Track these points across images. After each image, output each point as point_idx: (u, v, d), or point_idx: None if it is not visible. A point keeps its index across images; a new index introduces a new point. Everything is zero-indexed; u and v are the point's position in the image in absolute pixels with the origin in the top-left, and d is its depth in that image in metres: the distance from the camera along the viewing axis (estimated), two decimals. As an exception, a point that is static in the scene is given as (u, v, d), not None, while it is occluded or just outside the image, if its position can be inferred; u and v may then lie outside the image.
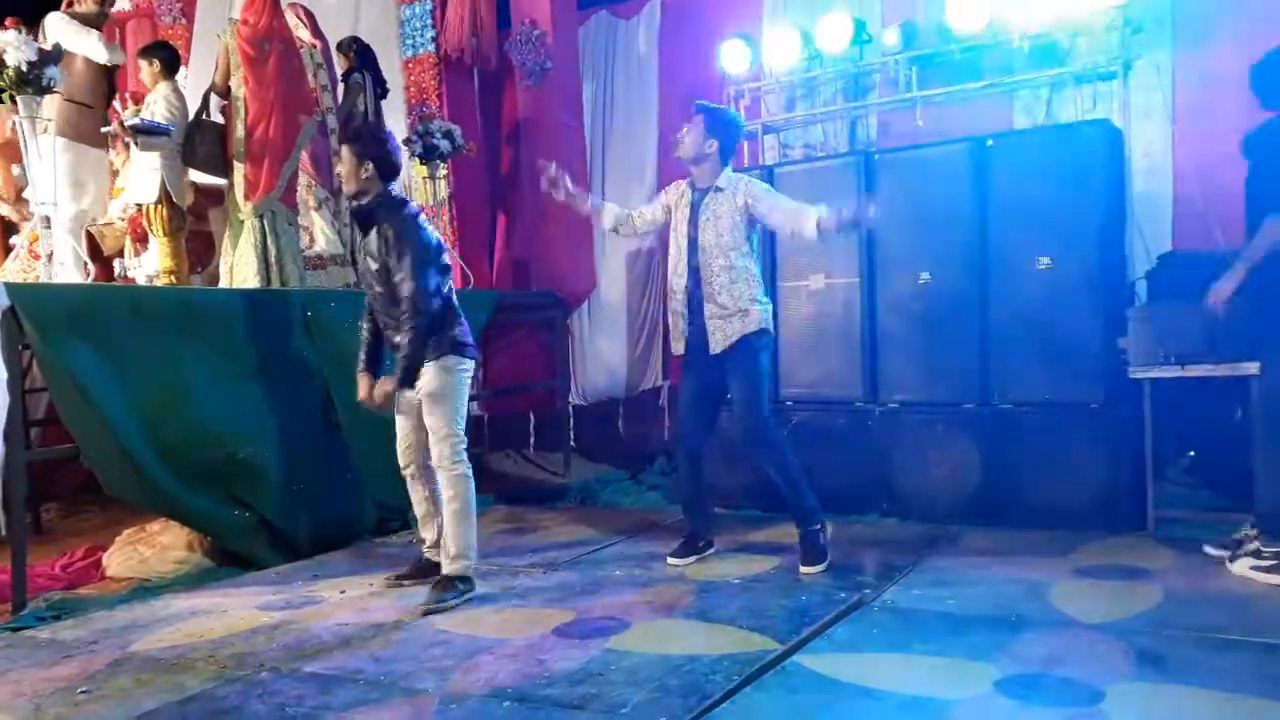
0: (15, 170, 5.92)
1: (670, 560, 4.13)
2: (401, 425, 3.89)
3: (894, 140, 5.75)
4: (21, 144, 4.93)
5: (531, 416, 7.36)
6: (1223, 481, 4.47)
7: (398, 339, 3.70)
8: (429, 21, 7.30)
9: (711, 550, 4.24)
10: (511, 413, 7.44)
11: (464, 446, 3.76)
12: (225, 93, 5.34)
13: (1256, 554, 3.59)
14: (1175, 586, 3.50)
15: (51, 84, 4.67)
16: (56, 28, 5.07)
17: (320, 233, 6.08)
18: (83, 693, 2.92)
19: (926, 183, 4.88)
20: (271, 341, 4.71)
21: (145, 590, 4.19)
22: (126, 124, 5.01)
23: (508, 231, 7.75)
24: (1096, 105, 5.15)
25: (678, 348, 4.15)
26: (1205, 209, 5.08)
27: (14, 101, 4.68)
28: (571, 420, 7.01)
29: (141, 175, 5.12)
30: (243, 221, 5.27)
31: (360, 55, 6.22)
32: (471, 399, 4.43)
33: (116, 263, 5.75)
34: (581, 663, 2.97)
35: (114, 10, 5.64)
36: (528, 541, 4.78)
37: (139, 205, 5.25)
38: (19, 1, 5.14)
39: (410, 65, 7.36)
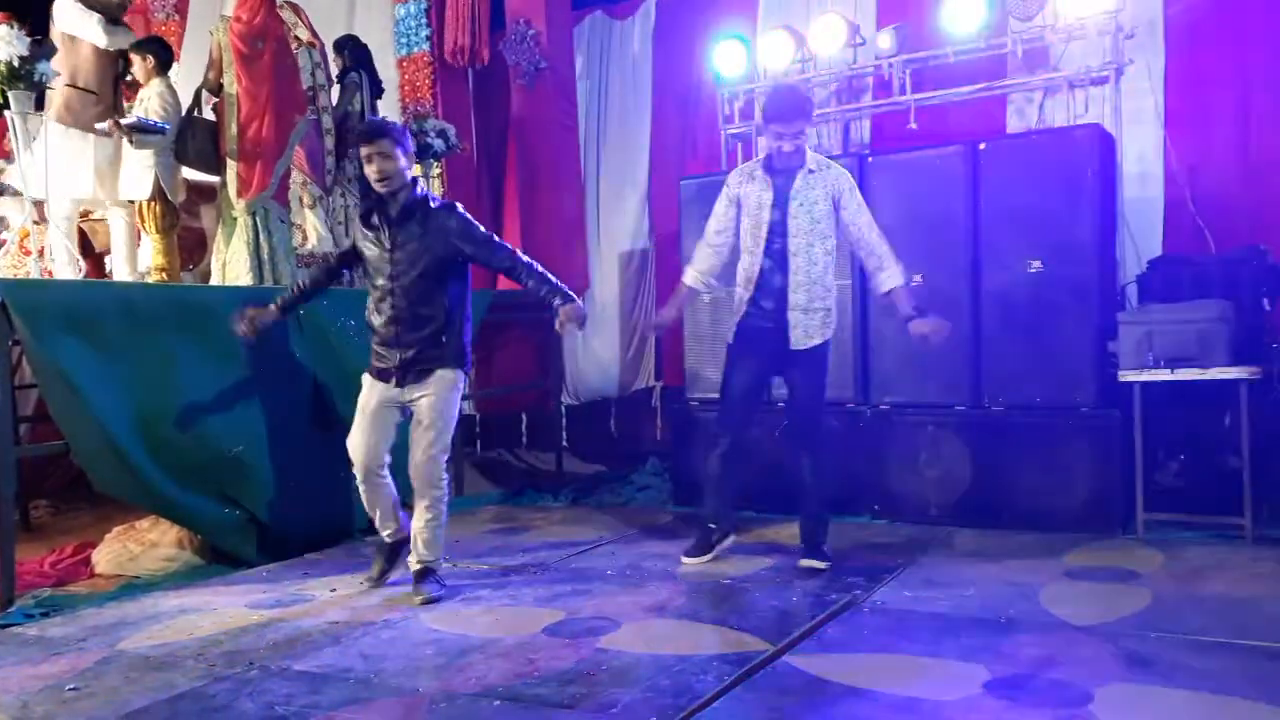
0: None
1: (685, 560, 4.01)
2: (376, 422, 3.75)
3: (887, 143, 5.77)
4: (13, 140, 4.90)
5: (524, 416, 7.36)
6: (1211, 485, 4.49)
7: (418, 341, 3.67)
8: (424, 21, 7.30)
9: (729, 541, 4.12)
10: (503, 412, 7.44)
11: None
12: (217, 90, 5.32)
13: None
14: (1164, 589, 3.52)
15: (44, 79, 4.65)
16: (63, 9, 5.07)
17: (313, 230, 6.06)
18: (71, 690, 2.91)
19: (919, 186, 4.89)
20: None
21: (134, 588, 4.17)
22: (121, 123, 4.98)
23: (501, 231, 7.75)
24: (1088, 110, 5.17)
25: (733, 340, 3.97)
26: (1196, 213, 5.12)
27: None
28: (564, 420, 7.01)
29: (134, 172, 5.10)
30: (235, 219, 5.25)
31: (355, 54, 6.20)
32: (465, 398, 4.42)
33: (107, 259, 5.72)
34: (572, 662, 2.97)
35: None
36: (519, 541, 4.78)
37: (131, 201, 5.23)
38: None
39: (404, 64, 7.36)
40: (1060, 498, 4.46)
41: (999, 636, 3.07)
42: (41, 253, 5.27)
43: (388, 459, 3.80)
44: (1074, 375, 4.54)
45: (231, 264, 5.26)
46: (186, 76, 6.12)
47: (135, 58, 5.13)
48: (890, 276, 3.86)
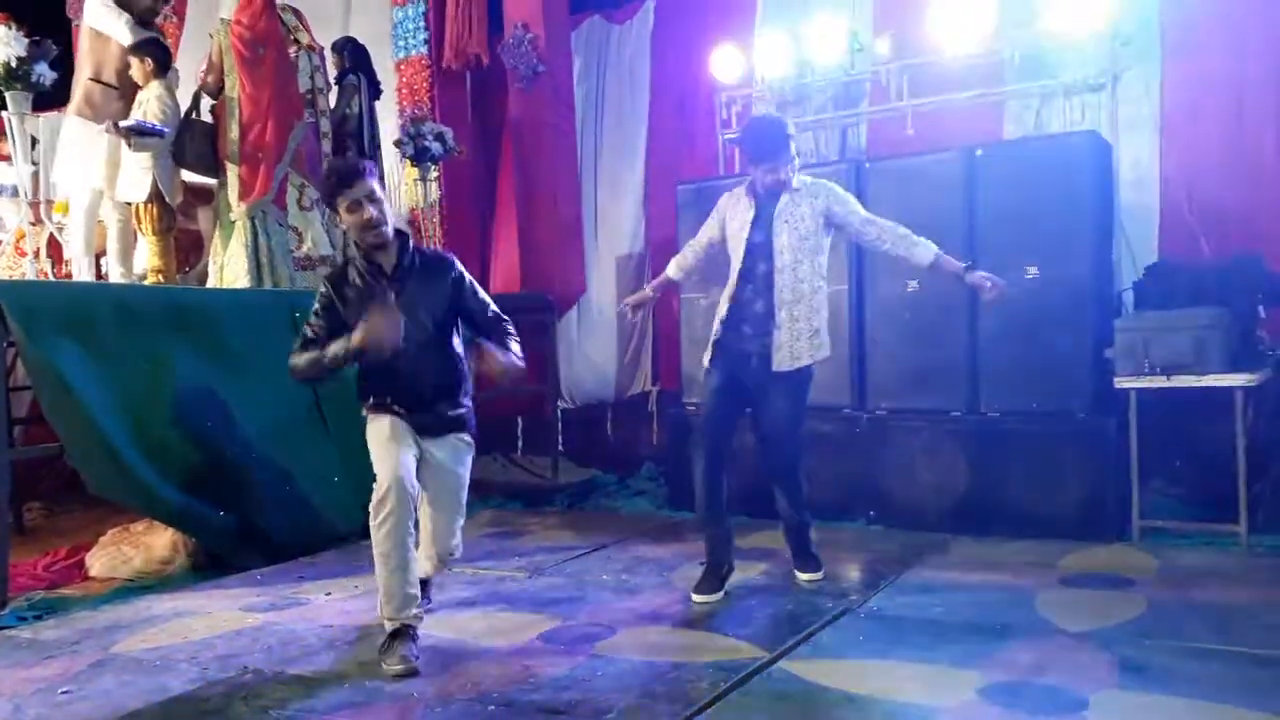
0: None
1: (695, 597, 3.69)
2: (405, 460, 3.14)
3: (884, 149, 5.77)
4: (9, 140, 4.91)
5: (519, 420, 7.35)
6: (1207, 492, 4.50)
7: (433, 402, 3.25)
8: (422, 24, 7.31)
9: (733, 573, 3.86)
10: (499, 416, 7.43)
11: None
12: (216, 93, 5.33)
13: None
14: (1159, 596, 3.52)
15: (42, 81, 4.65)
16: (94, 6, 5.10)
17: (309, 233, 6.07)
18: (64, 693, 2.90)
19: (916, 192, 4.89)
20: (259, 342, 4.69)
21: (128, 590, 4.16)
22: (121, 125, 4.97)
23: (498, 234, 7.75)
24: (1085, 117, 5.18)
25: (707, 361, 3.79)
26: (1192, 220, 5.12)
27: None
28: (560, 424, 7.00)
29: (132, 174, 5.09)
30: (234, 222, 5.26)
31: (354, 56, 6.21)
32: None
33: (103, 260, 5.72)
34: (567, 668, 2.97)
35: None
36: (514, 546, 4.77)
37: (128, 203, 5.22)
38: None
39: (402, 66, 7.36)
40: (1055, 504, 4.46)
41: (994, 643, 3.07)
42: (37, 254, 5.27)
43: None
44: (1070, 382, 4.54)
45: (229, 266, 5.26)
46: (183, 79, 6.12)
47: (134, 59, 5.14)
48: (923, 248, 3.71)
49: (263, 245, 5.24)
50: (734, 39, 6.17)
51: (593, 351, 7.18)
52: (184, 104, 5.33)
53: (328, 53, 6.12)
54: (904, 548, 4.40)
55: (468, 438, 3.39)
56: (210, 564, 4.46)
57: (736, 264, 3.77)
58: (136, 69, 5.15)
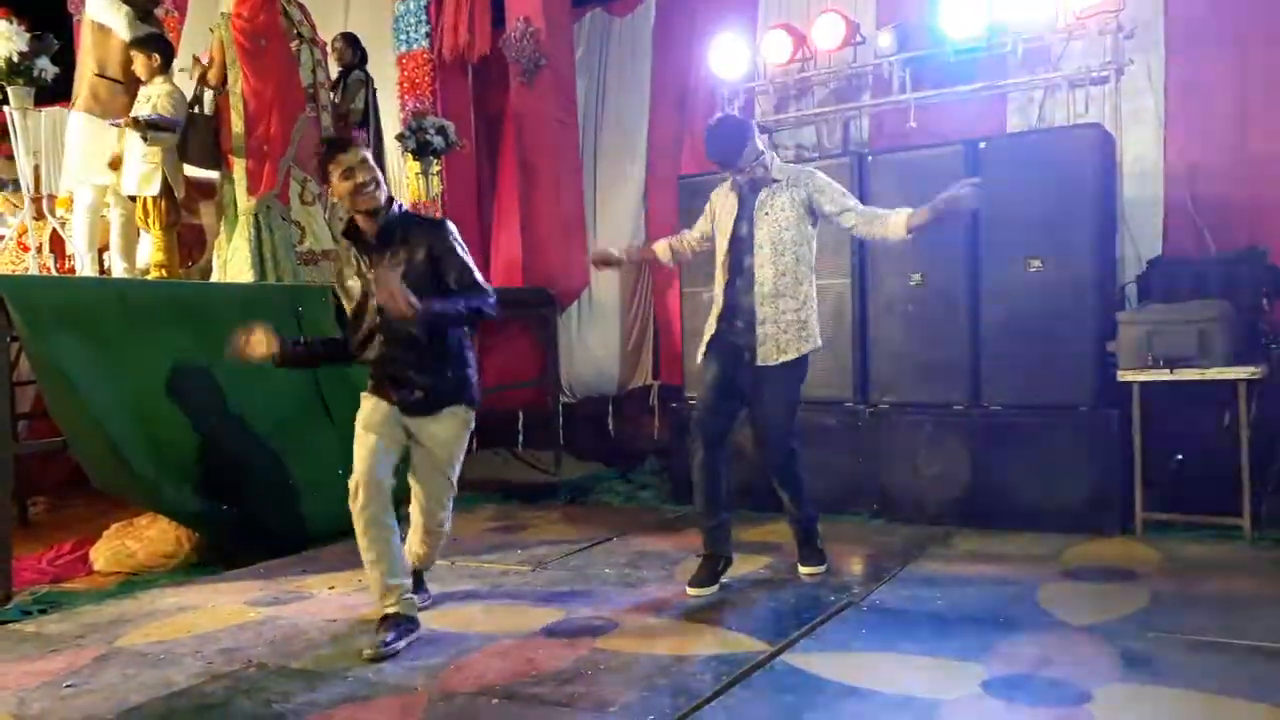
0: None
1: (690, 590, 3.67)
2: (378, 450, 3.19)
3: (887, 142, 5.77)
4: (12, 134, 4.90)
5: (520, 414, 7.35)
6: (1210, 485, 4.49)
7: (418, 377, 3.23)
8: (423, 17, 7.30)
9: (730, 567, 3.84)
10: (501, 410, 7.43)
11: None
12: (219, 86, 5.32)
13: None
14: (1162, 589, 3.52)
15: (43, 75, 4.64)
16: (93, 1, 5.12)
17: (311, 228, 6.07)
18: (68, 687, 2.91)
19: (919, 184, 4.84)
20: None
21: (132, 585, 4.17)
22: (140, 119, 4.95)
23: (500, 228, 7.74)
24: (1088, 109, 5.16)
25: (703, 352, 3.78)
26: (1195, 213, 5.11)
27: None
28: (561, 418, 7.00)
29: (141, 168, 5.07)
30: (238, 216, 5.25)
31: (356, 50, 6.22)
32: None
33: (105, 255, 5.72)
34: (570, 661, 2.97)
35: None
36: (517, 540, 4.78)
37: (133, 198, 5.22)
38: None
39: (404, 61, 7.36)
40: (1059, 497, 4.46)
41: (997, 636, 3.07)
42: (40, 249, 5.27)
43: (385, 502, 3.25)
44: (1073, 375, 4.53)
45: (233, 261, 5.26)
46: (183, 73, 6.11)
47: (139, 54, 5.12)
48: (893, 222, 3.54)
49: (266, 240, 5.24)
50: (735, 31, 6.16)
51: (594, 345, 7.18)
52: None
53: (328, 47, 6.11)
54: (907, 541, 4.40)
55: (463, 408, 3.34)
56: (214, 558, 4.47)
57: (722, 257, 3.77)
58: (141, 64, 5.14)
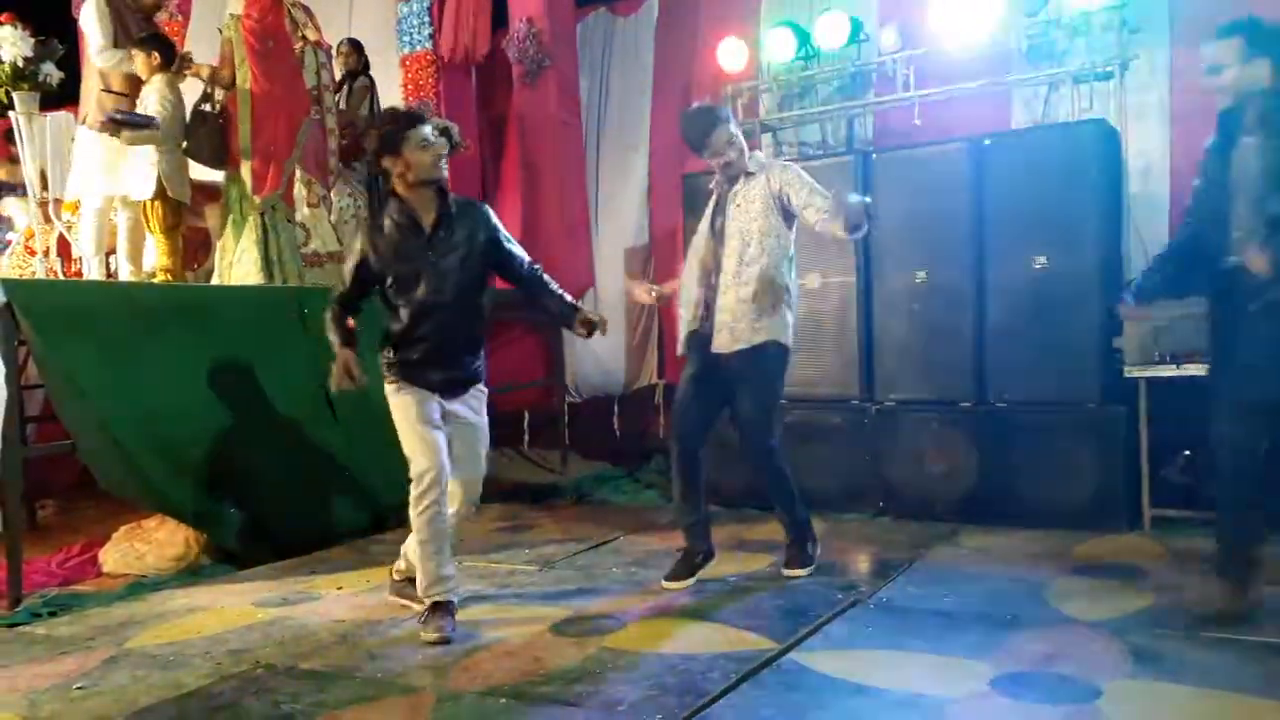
0: None
1: (665, 584, 3.72)
2: (441, 442, 3.26)
3: (891, 139, 5.75)
4: (18, 140, 4.91)
5: (526, 414, 7.36)
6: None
7: (467, 357, 3.34)
8: (426, 19, 7.31)
9: (711, 562, 3.82)
10: (506, 410, 7.43)
11: None
12: (228, 86, 5.32)
13: None
14: (1171, 585, 3.51)
15: (48, 80, 4.65)
16: (86, 11, 5.12)
17: (316, 230, 6.08)
18: (78, 689, 2.92)
19: (924, 182, 4.88)
20: (268, 339, 4.70)
21: (142, 586, 4.18)
22: (112, 118, 4.94)
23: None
24: (1093, 105, 5.14)
25: (682, 348, 3.86)
26: (1202, 209, 5.08)
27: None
28: (566, 417, 7.01)
29: (140, 171, 5.09)
30: (245, 218, 5.26)
31: (361, 57, 6.23)
32: None
33: (112, 259, 5.73)
34: (578, 660, 2.97)
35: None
36: (524, 539, 4.78)
37: (135, 201, 5.23)
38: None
39: (408, 62, 7.37)
40: (1066, 494, 4.45)
41: (1005, 633, 3.06)
42: (47, 253, 5.28)
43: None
44: (1079, 371, 4.52)
45: (240, 263, 5.26)
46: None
47: (139, 54, 5.13)
48: (835, 221, 3.40)
49: (273, 242, 5.24)
50: (739, 29, 6.16)
51: (599, 345, 7.16)
52: (188, 99, 5.33)
53: (334, 50, 6.12)
54: (913, 538, 4.40)
55: (482, 386, 3.49)
56: (222, 559, 4.48)
57: (701, 249, 3.81)
58: (141, 63, 5.14)
